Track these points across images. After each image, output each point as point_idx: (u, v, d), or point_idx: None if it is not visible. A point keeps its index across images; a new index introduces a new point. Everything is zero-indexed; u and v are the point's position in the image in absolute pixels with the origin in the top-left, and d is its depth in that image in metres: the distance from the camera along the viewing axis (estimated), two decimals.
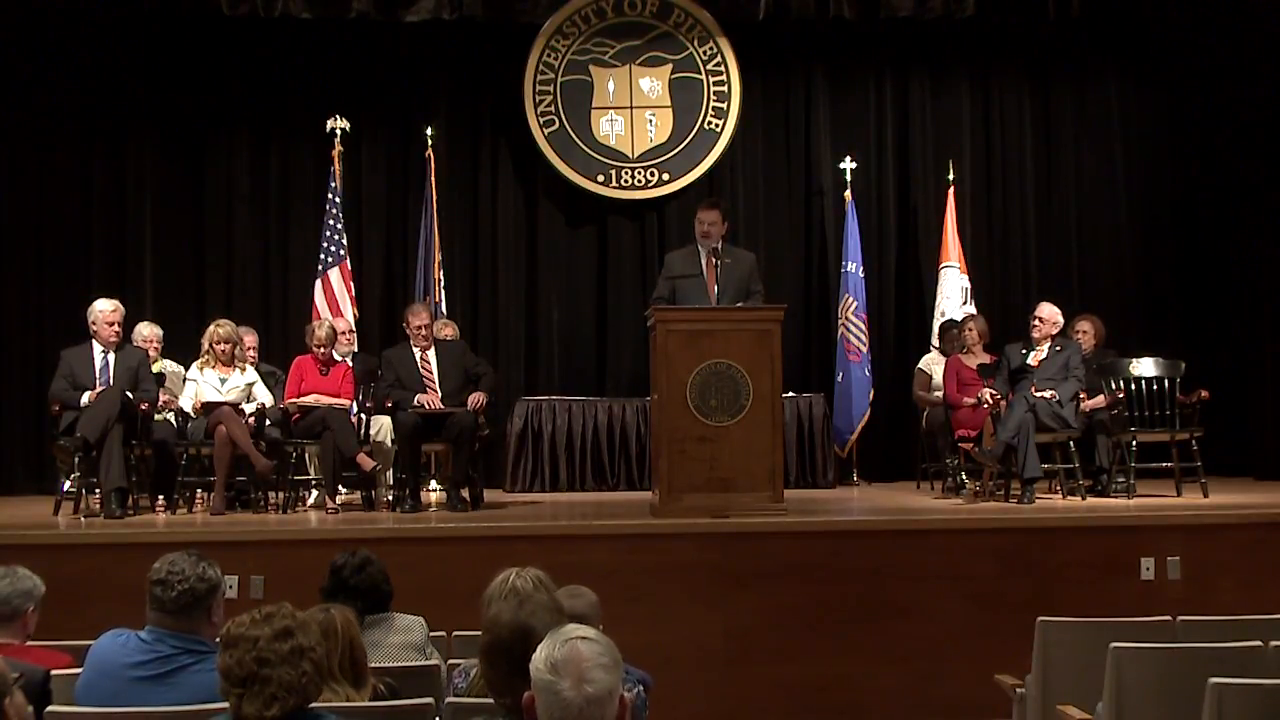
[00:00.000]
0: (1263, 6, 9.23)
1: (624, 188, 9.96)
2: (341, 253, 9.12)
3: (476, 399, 7.16)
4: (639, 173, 9.96)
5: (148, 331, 7.98)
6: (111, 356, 7.18)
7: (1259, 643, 3.82)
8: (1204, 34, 9.84)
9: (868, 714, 5.95)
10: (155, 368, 7.70)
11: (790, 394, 8.75)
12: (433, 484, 8.58)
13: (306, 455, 7.70)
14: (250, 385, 7.52)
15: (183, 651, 3.15)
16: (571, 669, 2.23)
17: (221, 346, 7.43)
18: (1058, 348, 7.59)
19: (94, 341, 7.20)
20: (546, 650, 2.27)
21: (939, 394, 8.33)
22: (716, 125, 9.99)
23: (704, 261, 6.85)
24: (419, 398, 7.16)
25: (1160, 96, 10.29)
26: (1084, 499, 7.32)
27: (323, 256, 9.11)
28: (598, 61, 9.98)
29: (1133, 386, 7.68)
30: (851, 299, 9.61)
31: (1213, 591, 5.98)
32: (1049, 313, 7.70)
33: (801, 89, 10.23)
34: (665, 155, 9.97)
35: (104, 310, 7.21)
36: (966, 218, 9.95)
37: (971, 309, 9.27)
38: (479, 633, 2.85)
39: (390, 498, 7.51)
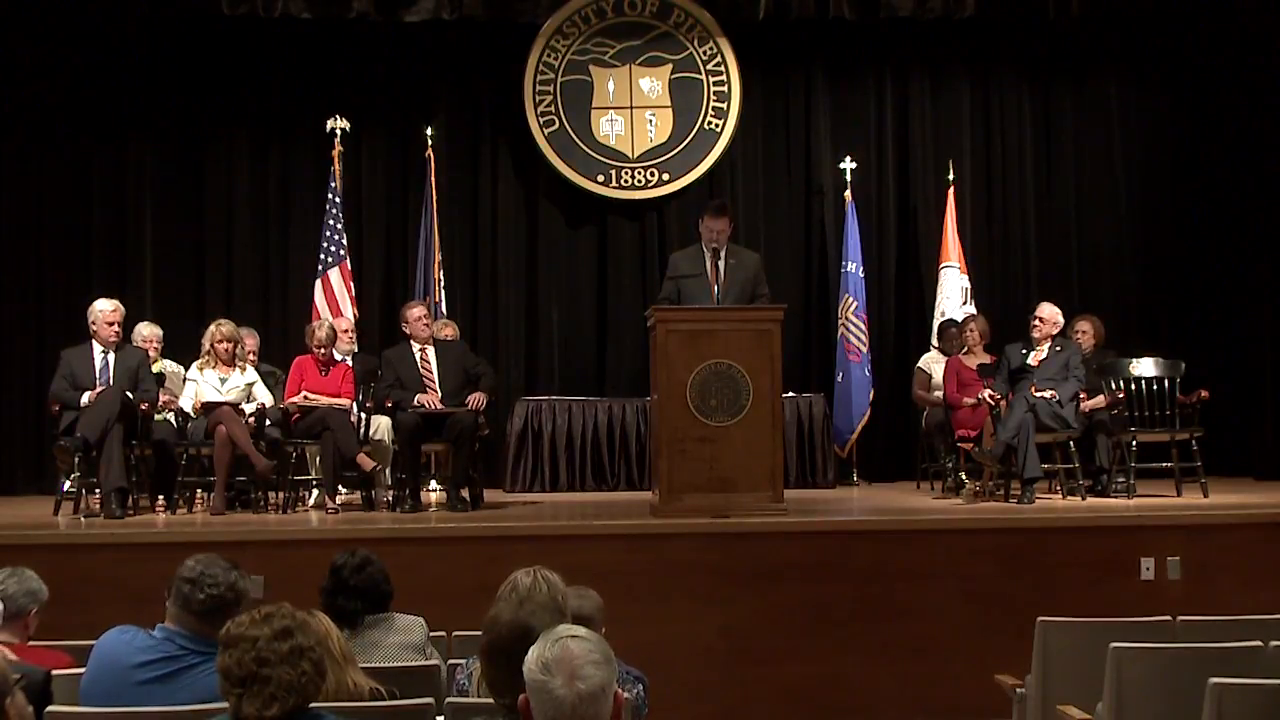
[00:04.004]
0: (1263, 7, 9.23)
1: (624, 188, 9.96)
2: (341, 253, 9.12)
3: (476, 399, 7.17)
4: (639, 173, 9.96)
5: (148, 331, 7.98)
6: (111, 356, 7.18)
7: (1259, 643, 3.81)
8: (1204, 34, 9.85)
9: (868, 714, 5.95)
10: (155, 368, 7.70)
11: (790, 394, 8.75)
12: (433, 484, 8.58)
13: (306, 455, 7.70)
14: (250, 385, 7.52)
15: (190, 652, 3.14)
16: (563, 667, 2.24)
17: (224, 345, 7.43)
18: (1058, 348, 7.60)
19: (94, 341, 7.19)
20: (538, 650, 2.28)
21: (939, 394, 8.33)
22: (716, 125, 9.99)
23: (707, 261, 6.85)
24: (419, 398, 7.17)
25: (1160, 97, 10.29)
26: (1084, 499, 7.32)
27: (323, 256, 9.11)
28: (598, 61, 9.98)
29: (1133, 386, 7.69)
30: (851, 299, 9.62)
31: (1213, 591, 5.98)
32: (1049, 313, 7.71)
33: (801, 89, 10.22)
34: (665, 155, 9.97)
35: (104, 310, 7.21)
36: (966, 218, 9.95)
37: (971, 309, 9.27)
38: (479, 633, 2.85)
39: (390, 498, 7.51)
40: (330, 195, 9.18)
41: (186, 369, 7.64)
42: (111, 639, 3.23)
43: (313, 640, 2.61)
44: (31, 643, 3.75)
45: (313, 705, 2.59)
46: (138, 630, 3.21)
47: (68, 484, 7.16)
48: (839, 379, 9.61)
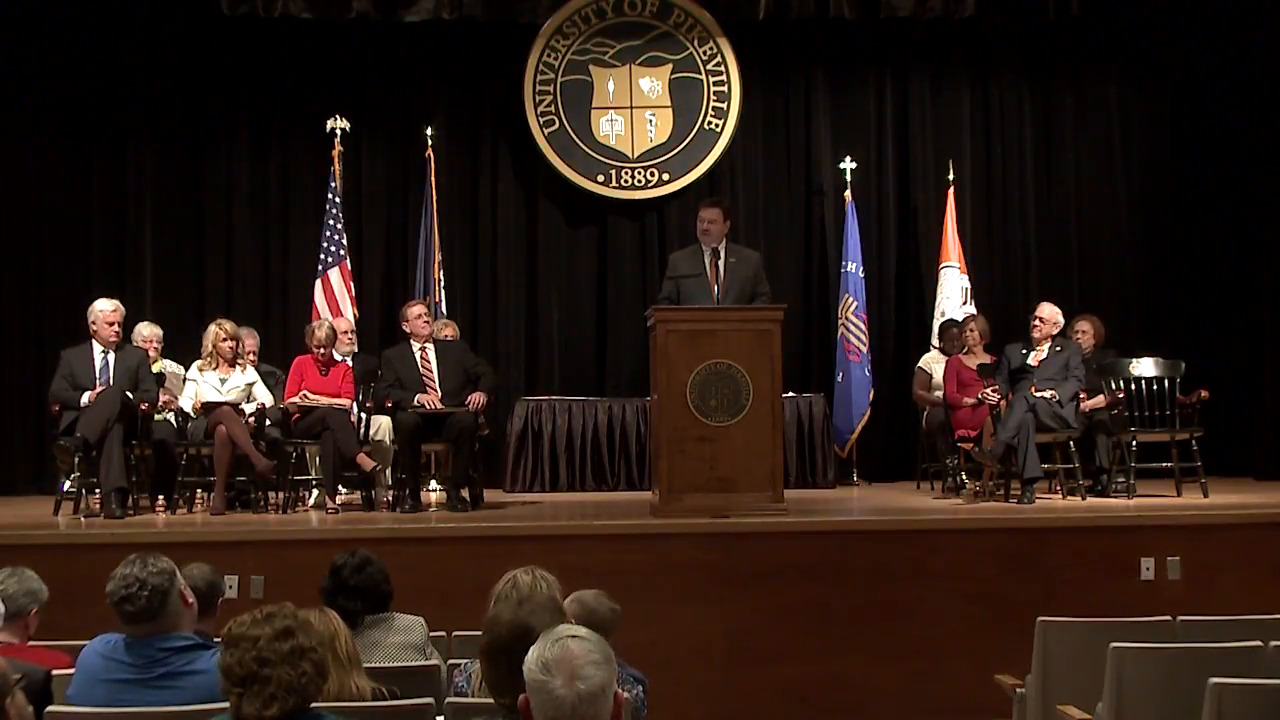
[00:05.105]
0: (1262, 7, 9.23)
1: (624, 188, 9.96)
2: (341, 253, 9.12)
3: (476, 399, 7.16)
4: (639, 173, 9.96)
5: (148, 331, 7.98)
6: (111, 356, 7.18)
7: (1259, 643, 3.82)
8: (1204, 34, 9.85)
9: (868, 714, 5.95)
10: (155, 368, 7.70)
11: (790, 394, 8.75)
12: (433, 484, 8.58)
13: (306, 455, 7.70)
14: (250, 385, 7.52)
15: (172, 653, 3.13)
16: (564, 667, 2.24)
17: (227, 343, 7.44)
18: (1058, 348, 7.60)
19: (94, 341, 7.20)
20: (538, 650, 2.28)
21: (939, 394, 8.33)
22: (716, 125, 9.99)
23: (707, 261, 6.85)
24: (419, 398, 7.17)
25: (1160, 96, 10.29)
26: (1084, 499, 7.32)
27: (323, 256, 9.11)
28: (598, 61, 9.98)
29: (1133, 386, 7.69)
30: (851, 299, 9.62)
31: (1213, 591, 5.97)
32: (1049, 313, 7.71)
33: (801, 89, 10.22)
34: (665, 155, 9.97)
35: (104, 310, 7.21)
36: (966, 218, 9.95)
37: (971, 309, 9.27)
38: (479, 633, 2.85)
39: (390, 498, 7.51)
40: (330, 195, 9.18)
41: (186, 369, 7.64)
42: (95, 647, 3.21)
43: (314, 640, 2.62)
44: (31, 643, 3.75)
45: (313, 705, 2.59)
46: (118, 637, 3.18)
47: (68, 484, 7.16)
48: (839, 379, 9.61)
